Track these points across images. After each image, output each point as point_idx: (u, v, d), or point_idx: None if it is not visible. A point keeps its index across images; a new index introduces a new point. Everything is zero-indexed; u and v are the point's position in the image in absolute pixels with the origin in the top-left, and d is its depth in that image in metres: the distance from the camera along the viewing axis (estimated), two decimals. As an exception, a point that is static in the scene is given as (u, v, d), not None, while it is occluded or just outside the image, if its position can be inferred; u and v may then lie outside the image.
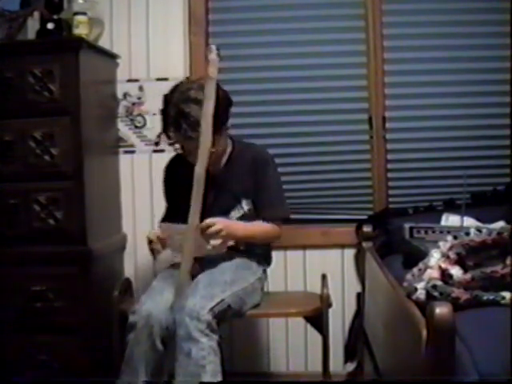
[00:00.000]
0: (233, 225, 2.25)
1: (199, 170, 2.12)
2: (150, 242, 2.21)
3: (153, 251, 2.25)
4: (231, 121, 2.35)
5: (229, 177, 2.35)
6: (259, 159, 2.36)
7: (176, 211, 2.34)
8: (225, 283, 2.15)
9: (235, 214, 2.34)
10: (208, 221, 2.15)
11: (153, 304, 2.09)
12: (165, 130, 2.25)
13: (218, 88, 2.21)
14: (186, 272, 2.11)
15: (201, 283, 2.13)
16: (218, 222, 2.15)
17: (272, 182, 2.37)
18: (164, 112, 2.23)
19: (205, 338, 1.98)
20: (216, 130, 2.18)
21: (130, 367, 2.06)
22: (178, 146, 2.32)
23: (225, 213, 2.33)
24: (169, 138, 2.26)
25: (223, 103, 2.22)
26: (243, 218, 2.34)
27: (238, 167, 2.36)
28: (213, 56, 2.15)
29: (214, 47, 2.16)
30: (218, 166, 2.36)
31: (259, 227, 2.32)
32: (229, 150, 2.39)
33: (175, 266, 2.21)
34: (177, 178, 2.40)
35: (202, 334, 1.98)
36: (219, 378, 2.01)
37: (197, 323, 1.98)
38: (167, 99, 2.23)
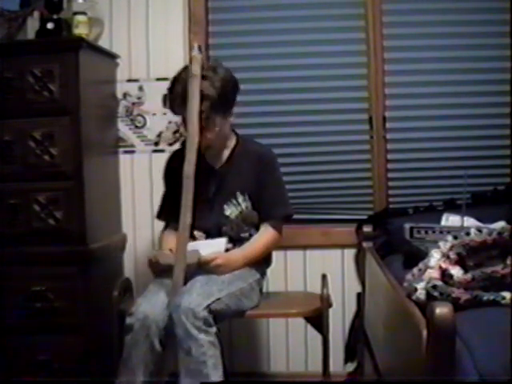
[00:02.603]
0: (232, 258, 2.26)
1: (188, 168, 2.15)
2: (151, 263, 2.26)
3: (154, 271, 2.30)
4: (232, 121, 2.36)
5: (230, 172, 2.36)
6: (265, 157, 2.37)
7: (172, 206, 2.33)
8: (222, 283, 2.16)
9: (232, 211, 2.34)
10: (209, 257, 2.19)
11: (149, 305, 2.10)
12: (171, 106, 2.29)
13: (228, 70, 2.28)
14: (180, 270, 2.12)
15: (198, 282, 2.14)
16: (218, 258, 2.20)
17: (276, 181, 2.38)
18: (171, 91, 2.27)
19: (202, 333, 2.00)
20: (223, 110, 2.23)
21: (127, 369, 2.07)
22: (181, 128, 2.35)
23: (220, 209, 2.33)
24: (175, 112, 2.29)
25: (232, 84, 2.27)
26: (241, 215, 2.34)
27: (241, 163, 2.36)
28: (194, 53, 2.17)
29: (195, 45, 2.21)
30: (220, 160, 2.36)
31: (257, 247, 2.34)
32: (232, 144, 2.39)
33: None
34: (177, 173, 2.40)
35: (200, 331, 2.00)
36: (220, 370, 2.03)
37: (193, 320, 1.99)
38: (175, 79, 2.27)
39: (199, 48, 2.21)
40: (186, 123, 2.26)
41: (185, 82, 2.20)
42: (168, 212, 2.44)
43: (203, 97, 2.18)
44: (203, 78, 2.19)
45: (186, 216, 2.14)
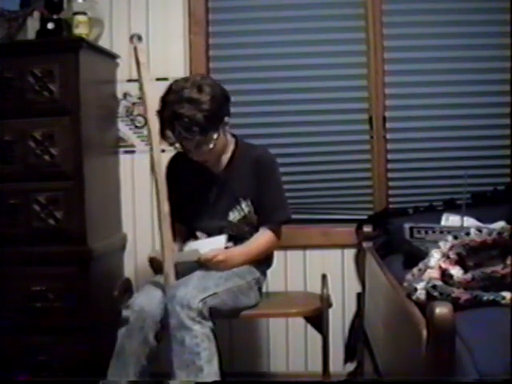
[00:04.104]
0: (232, 254, 2.27)
1: (155, 155, 2.15)
2: (151, 262, 2.27)
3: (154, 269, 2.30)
4: (232, 121, 2.35)
5: (231, 177, 2.36)
6: (264, 161, 2.36)
7: (177, 210, 2.32)
8: (219, 278, 2.17)
9: (235, 216, 2.34)
10: (209, 255, 2.19)
11: (146, 299, 2.12)
12: (162, 130, 2.23)
13: (215, 85, 2.23)
14: (169, 259, 2.13)
15: (195, 276, 2.16)
16: (218, 254, 2.21)
17: (275, 184, 2.38)
18: (160, 113, 2.23)
19: (197, 325, 2.00)
20: (213, 128, 2.20)
21: (119, 361, 2.08)
22: (177, 145, 2.33)
23: (224, 214, 2.33)
24: (165, 138, 2.25)
25: (219, 100, 2.23)
26: (244, 220, 2.35)
27: (240, 167, 2.36)
28: (135, 43, 2.16)
29: (134, 35, 2.17)
30: (220, 165, 2.36)
31: (257, 246, 2.34)
32: (231, 148, 2.38)
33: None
34: (179, 176, 2.40)
35: (194, 322, 2.00)
36: (215, 366, 2.02)
37: (188, 311, 2.00)
38: (163, 100, 2.24)
39: (139, 37, 2.16)
40: (182, 146, 2.27)
41: (172, 106, 2.17)
42: (172, 214, 2.43)
43: (191, 123, 2.15)
44: (188, 101, 2.17)
45: (163, 204, 2.15)
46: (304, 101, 2.91)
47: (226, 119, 2.29)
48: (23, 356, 2.46)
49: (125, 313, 2.10)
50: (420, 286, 1.47)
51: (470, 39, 2.84)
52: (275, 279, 2.72)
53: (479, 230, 1.57)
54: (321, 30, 2.89)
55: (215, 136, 2.24)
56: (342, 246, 2.88)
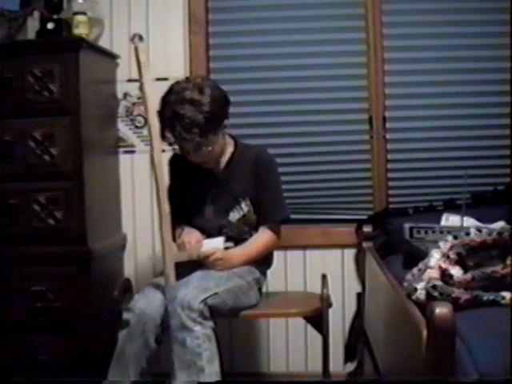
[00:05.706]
0: (231, 254, 2.27)
1: (155, 155, 2.14)
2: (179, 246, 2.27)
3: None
4: (232, 121, 2.35)
5: (230, 177, 2.36)
6: (262, 160, 2.36)
7: (178, 209, 2.31)
8: (220, 278, 2.17)
9: (234, 215, 2.34)
10: (208, 252, 2.20)
11: (146, 302, 2.12)
12: (161, 131, 2.23)
13: (216, 87, 2.23)
14: (169, 260, 2.13)
15: (195, 276, 2.16)
16: (217, 252, 2.21)
17: (273, 183, 2.37)
18: (160, 113, 2.23)
19: (198, 326, 2.01)
20: (213, 130, 2.20)
21: (119, 364, 2.08)
22: (176, 146, 2.33)
23: (224, 214, 2.33)
24: (164, 138, 2.25)
25: (220, 102, 2.23)
26: (243, 218, 2.35)
27: (239, 168, 2.36)
28: (136, 43, 2.15)
29: (135, 35, 2.16)
30: (219, 166, 2.36)
31: (257, 246, 2.34)
32: (230, 150, 2.39)
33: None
34: (180, 175, 2.40)
35: (195, 323, 2.00)
36: (216, 366, 2.03)
37: (189, 312, 2.00)
38: (163, 100, 2.23)
39: (140, 37, 2.15)
40: (181, 148, 2.27)
41: (173, 106, 2.17)
42: (173, 212, 2.43)
43: (192, 124, 2.15)
44: (190, 102, 2.16)
45: (163, 204, 2.15)
46: (304, 101, 2.91)
47: (225, 122, 2.30)
48: (23, 356, 2.46)
49: (125, 316, 2.10)
50: (420, 285, 1.47)
51: (470, 39, 2.84)
52: (275, 279, 2.72)
53: (479, 229, 1.57)
54: (321, 30, 2.90)
55: (214, 138, 2.24)
56: (342, 246, 2.88)
